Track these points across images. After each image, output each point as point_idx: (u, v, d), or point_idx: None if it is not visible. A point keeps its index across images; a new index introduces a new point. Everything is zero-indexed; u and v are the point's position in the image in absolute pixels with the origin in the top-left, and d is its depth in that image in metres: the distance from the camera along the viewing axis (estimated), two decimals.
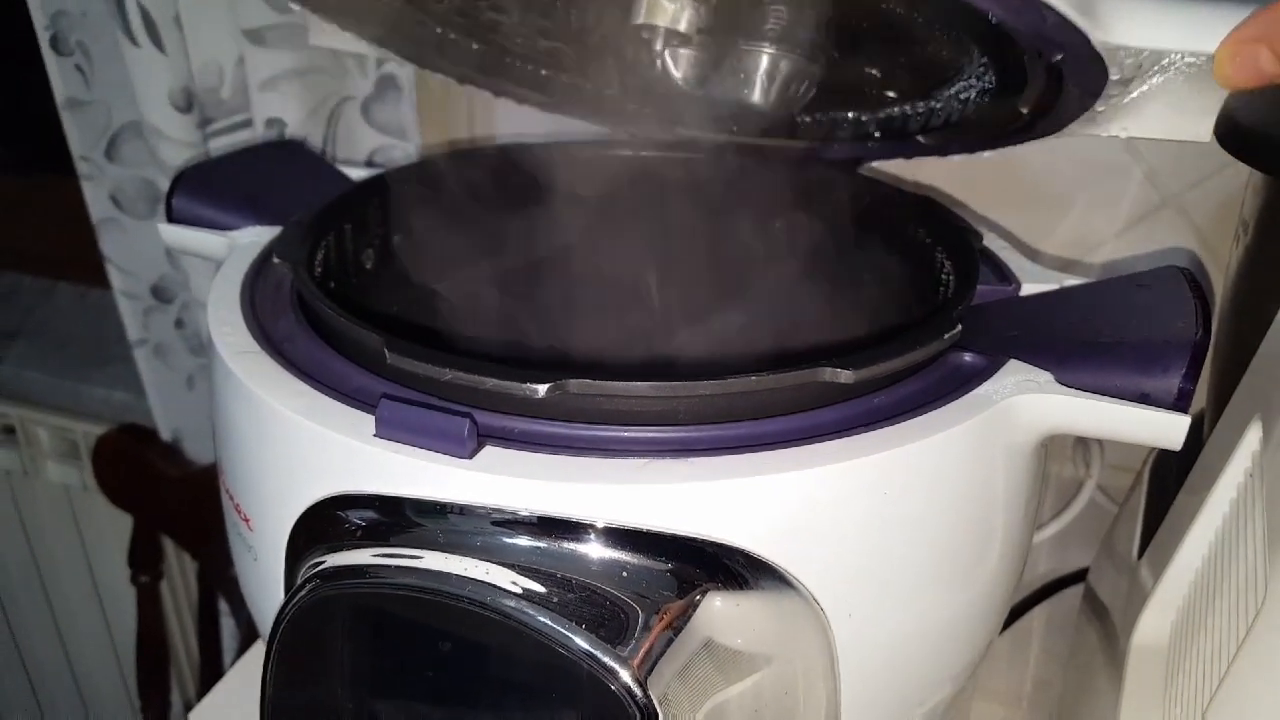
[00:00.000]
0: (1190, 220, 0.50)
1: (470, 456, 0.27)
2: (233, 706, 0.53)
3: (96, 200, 0.73)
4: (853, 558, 0.29)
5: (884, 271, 0.44)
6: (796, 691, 0.29)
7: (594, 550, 0.27)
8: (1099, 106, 0.37)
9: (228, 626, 0.87)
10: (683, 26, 0.38)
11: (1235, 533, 0.30)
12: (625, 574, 0.27)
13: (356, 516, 0.29)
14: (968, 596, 0.33)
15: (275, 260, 0.36)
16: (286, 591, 0.31)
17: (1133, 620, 0.34)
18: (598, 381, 0.27)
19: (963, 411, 0.30)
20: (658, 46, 0.39)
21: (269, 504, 0.32)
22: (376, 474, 0.28)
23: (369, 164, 0.65)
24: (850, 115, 0.46)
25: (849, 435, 0.29)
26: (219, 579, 0.83)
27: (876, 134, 0.46)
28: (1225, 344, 0.39)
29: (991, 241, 0.42)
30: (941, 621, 0.32)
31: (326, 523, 0.29)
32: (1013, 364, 0.32)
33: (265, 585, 0.33)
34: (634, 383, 0.28)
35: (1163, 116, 0.37)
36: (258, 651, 0.56)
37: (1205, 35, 0.33)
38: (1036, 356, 0.32)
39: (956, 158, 0.45)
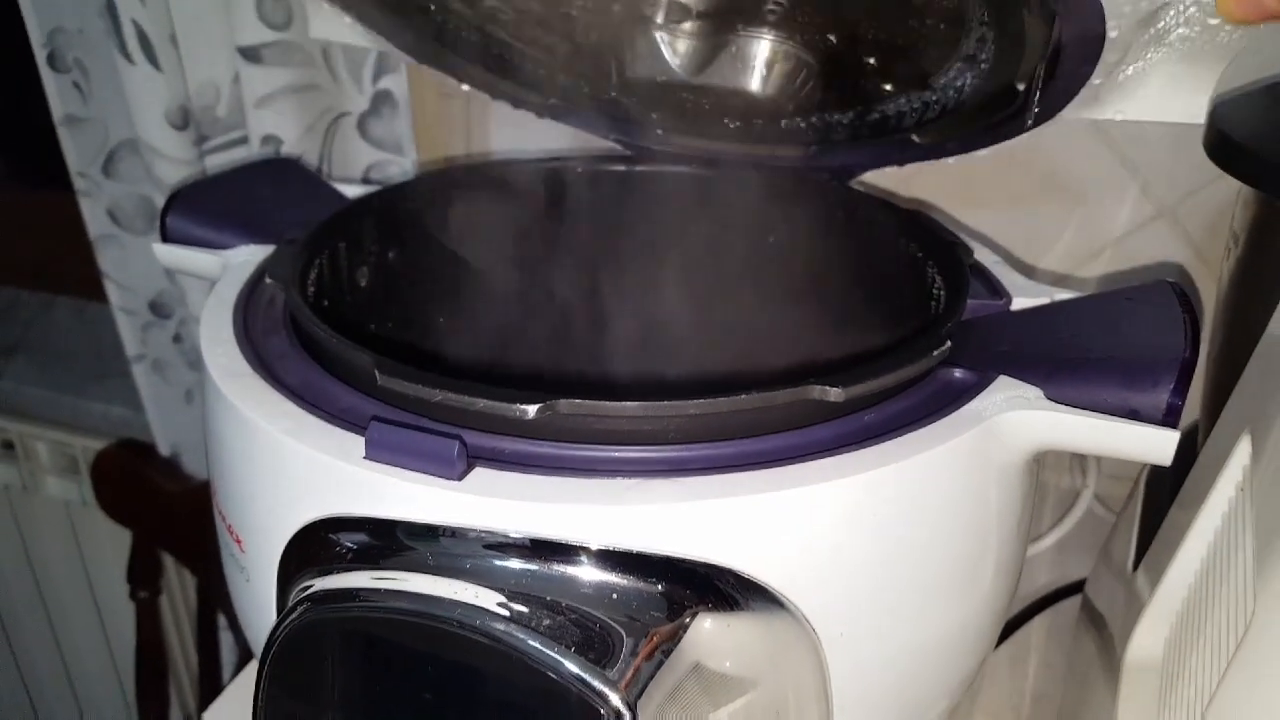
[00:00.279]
0: (1184, 231, 0.50)
1: (460, 478, 0.27)
2: None
3: (94, 216, 0.74)
4: (843, 576, 0.29)
5: (874, 286, 0.43)
6: (788, 712, 0.29)
7: (584, 572, 0.27)
8: (1095, 79, 0.36)
9: (226, 641, 0.87)
10: None
11: (1226, 547, 0.30)
12: (615, 596, 0.27)
13: (347, 539, 0.29)
14: (961, 613, 0.33)
15: (267, 280, 0.37)
16: (278, 613, 0.31)
17: (1129, 631, 0.34)
18: (587, 401, 0.27)
19: (953, 428, 0.30)
20: (659, 19, 0.38)
21: (260, 526, 0.32)
22: (366, 496, 0.28)
23: (365, 180, 0.65)
24: (846, 117, 0.46)
25: (839, 453, 0.29)
26: (218, 594, 0.83)
27: (870, 135, 0.45)
28: (1219, 356, 0.39)
29: (983, 255, 0.42)
30: (935, 638, 0.32)
31: (318, 545, 0.29)
32: (1002, 380, 0.32)
33: (258, 606, 0.33)
34: (623, 403, 0.28)
35: (1157, 97, 0.36)
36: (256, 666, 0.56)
37: None
38: (1026, 372, 0.32)
39: (952, 165, 0.44)
